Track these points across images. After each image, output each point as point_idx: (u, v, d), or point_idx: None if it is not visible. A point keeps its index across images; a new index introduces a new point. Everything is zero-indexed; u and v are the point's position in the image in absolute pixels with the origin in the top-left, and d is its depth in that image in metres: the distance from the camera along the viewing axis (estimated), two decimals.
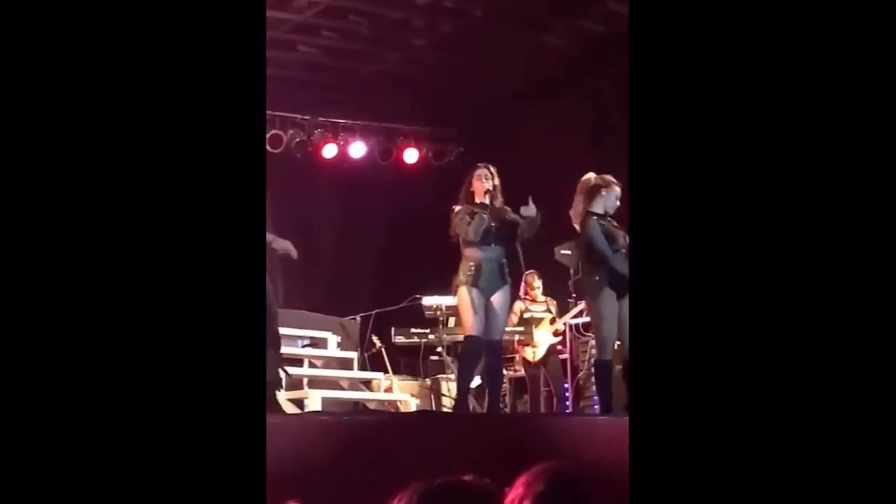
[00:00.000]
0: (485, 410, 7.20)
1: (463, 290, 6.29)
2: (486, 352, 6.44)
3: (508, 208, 6.43)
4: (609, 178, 6.57)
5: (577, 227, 6.59)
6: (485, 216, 6.32)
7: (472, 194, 6.46)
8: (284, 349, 7.96)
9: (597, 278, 6.35)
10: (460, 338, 6.58)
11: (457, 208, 6.44)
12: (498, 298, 6.35)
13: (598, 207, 6.51)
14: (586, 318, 8.36)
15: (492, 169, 6.51)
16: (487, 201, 6.39)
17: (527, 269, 9.27)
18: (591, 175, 6.61)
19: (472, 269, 6.29)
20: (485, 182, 6.41)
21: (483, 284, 6.28)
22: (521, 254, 6.51)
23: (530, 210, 6.22)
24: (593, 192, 6.55)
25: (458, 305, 6.43)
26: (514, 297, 9.14)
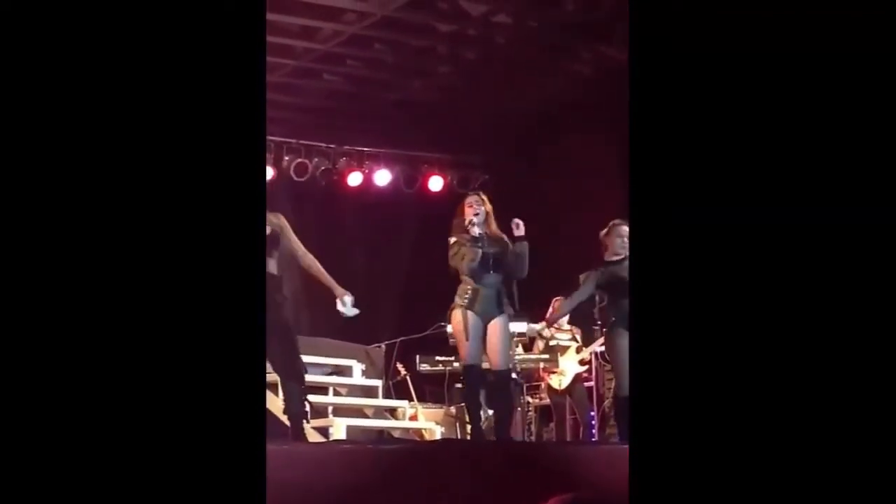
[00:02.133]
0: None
1: (457, 314, 6.16)
2: (494, 382, 6.33)
3: (503, 235, 6.28)
4: (615, 221, 6.52)
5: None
6: (478, 249, 6.15)
7: (463, 223, 6.28)
8: (310, 377, 7.96)
9: (612, 316, 6.33)
10: (485, 365, 6.46)
11: (451, 240, 6.29)
12: (496, 326, 6.19)
13: (608, 256, 6.49)
14: None
15: (482, 195, 6.38)
16: (479, 231, 6.20)
17: (555, 297, 9.27)
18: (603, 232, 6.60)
19: (469, 293, 6.16)
20: (476, 208, 6.24)
21: (479, 310, 6.15)
22: (517, 293, 6.32)
23: (519, 230, 6.14)
24: (602, 242, 6.56)
25: (452, 330, 6.31)
26: (539, 322, 9.15)
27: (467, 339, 6.14)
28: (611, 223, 6.56)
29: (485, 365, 6.38)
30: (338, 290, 5.94)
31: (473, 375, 6.28)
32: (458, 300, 6.21)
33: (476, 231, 6.20)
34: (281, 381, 5.77)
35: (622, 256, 6.42)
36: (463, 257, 6.18)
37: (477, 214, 6.23)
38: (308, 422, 5.89)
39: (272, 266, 5.65)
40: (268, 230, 5.57)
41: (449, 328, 8.49)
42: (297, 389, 5.64)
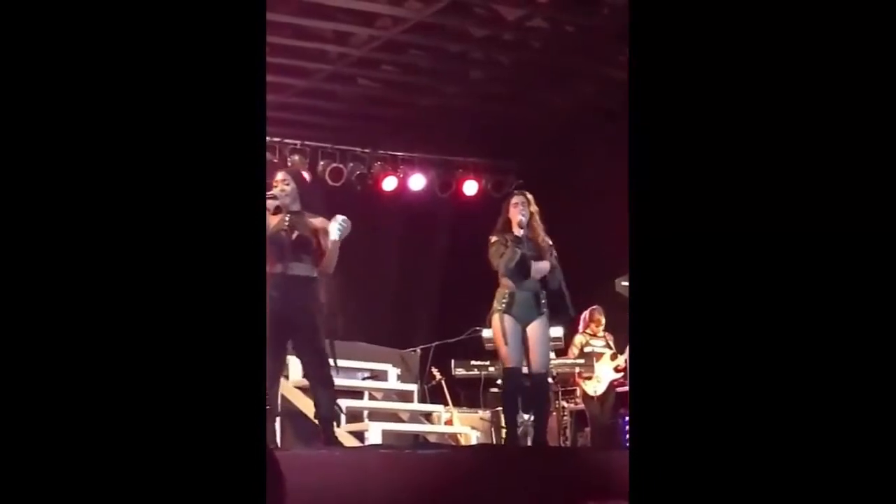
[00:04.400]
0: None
1: (496, 318, 6.16)
2: (532, 386, 6.32)
3: (548, 240, 6.28)
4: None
5: None
6: (518, 249, 6.14)
7: (508, 223, 6.28)
8: (345, 381, 7.98)
9: None
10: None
11: (493, 238, 6.27)
12: (535, 329, 6.18)
13: None
14: None
15: (528, 196, 6.35)
16: (522, 232, 6.21)
17: (591, 306, 9.25)
18: None
19: (507, 297, 6.15)
20: (521, 209, 6.24)
21: (517, 313, 6.15)
22: (568, 295, 6.31)
23: (542, 267, 6.14)
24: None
25: (493, 335, 6.29)
26: (572, 328, 9.14)
27: (506, 344, 6.13)
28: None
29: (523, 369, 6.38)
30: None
31: (513, 379, 6.27)
32: (496, 304, 6.20)
33: (520, 232, 6.21)
34: (311, 385, 5.78)
35: None
36: (502, 255, 6.17)
37: (524, 215, 6.24)
38: (339, 426, 5.90)
39: (307, 269, 5.64)
40: (296, 235, 5.58)
41: (485, 332, 8.54)
42: (326, 394, 5.64)
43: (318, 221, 5.70)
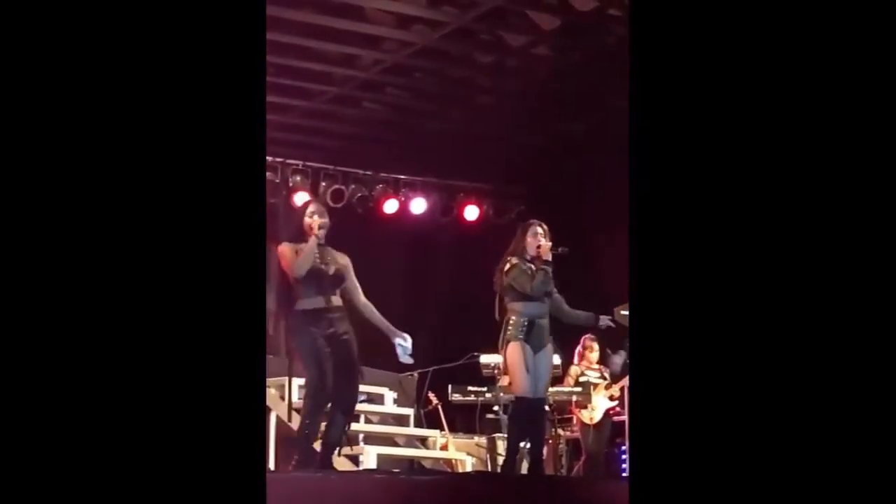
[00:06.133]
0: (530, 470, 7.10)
1: (515, 347, 6.13)
2: (531, 410, 6.30)
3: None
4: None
5: None
6: (549, 271, 6.23)
7: (524, 249, 6.34)
8: None
9: None
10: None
11: (514, 260, 6.29)
12: (544, 357, 6.23)
13: None
14: None
15: (544, 227, 6.44)
16: (549, 258, 6.28)
17: (585, 335, 9.26)
18: None
19: (525, 324, 6.15)
20: (541, 240, 6.32)
21: (533, 342, 6.16)
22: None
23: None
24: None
25: (509, 363, 6.22)
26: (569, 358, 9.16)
27: (527, 372, 6.11)
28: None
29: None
30: (394, 332, 6.04)
31: (524, 408, 6.24)
32: (512, 331, 6.17)
33: (548, 257, 6.27)
34: (332, 408, 5.79)
35: None
36: (531, 277, 6.20)
37: (544, 242, 6.32)
38: (339, 454, 5.92)
39: (340, 301, 5.83)
40: (333, 269, 5.75)
41: (483, 358, 8.51)
42: (343, 420, 5.69)
43: (341, 258, 5.87)
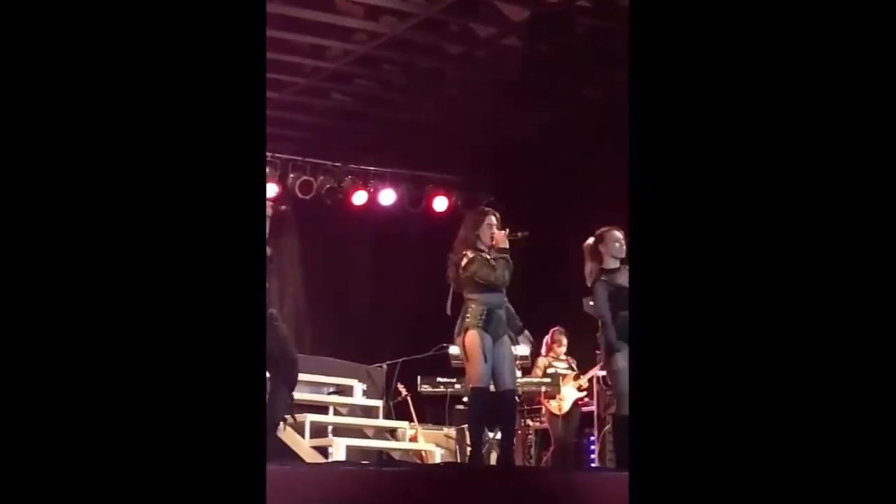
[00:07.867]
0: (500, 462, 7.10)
1: (472, 335, 6.04)
2: (502, 402, 6.23)
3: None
4: (603, 229, 6.45)
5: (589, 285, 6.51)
6: (508, 258, 6.17)
7: (478, 239, 6.26)
8: (310, 396, 7.95)
9: (609, 334, 6.23)
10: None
11: (470, 254, 6.19)
12: (502, 347, 6.15)
13: (608, 263, 6.38)
14: None
15: (497, 215, 6.37)
16: (506, 245, 6.22)
17: (552, 326, 9.30)
18: (590, 239, 6.51)
19: (484, 313, 6.07)
20: (495, 229, 6.26)
21: (493, 330, 6.09)
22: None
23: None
24: (594, 251, 6.44)
25: (468, 350, 6.08)
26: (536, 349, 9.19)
27: (486, 361, 6.04)
28: (598, 231, 6.44)
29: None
30: None
31: (482, 398, 6.16)
32: (471, 320, 6.10)
33: (505, 244, 6.21)
34: (272, 382, 5.82)
35: (618, 263, 6.34)
36: (493, 267, 6.14)
37: (497, 231, 6.26)
38: (285, 427, 6.00)
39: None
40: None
41: (452, 349, 8.52)
42: (286, 398, 5.84)
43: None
